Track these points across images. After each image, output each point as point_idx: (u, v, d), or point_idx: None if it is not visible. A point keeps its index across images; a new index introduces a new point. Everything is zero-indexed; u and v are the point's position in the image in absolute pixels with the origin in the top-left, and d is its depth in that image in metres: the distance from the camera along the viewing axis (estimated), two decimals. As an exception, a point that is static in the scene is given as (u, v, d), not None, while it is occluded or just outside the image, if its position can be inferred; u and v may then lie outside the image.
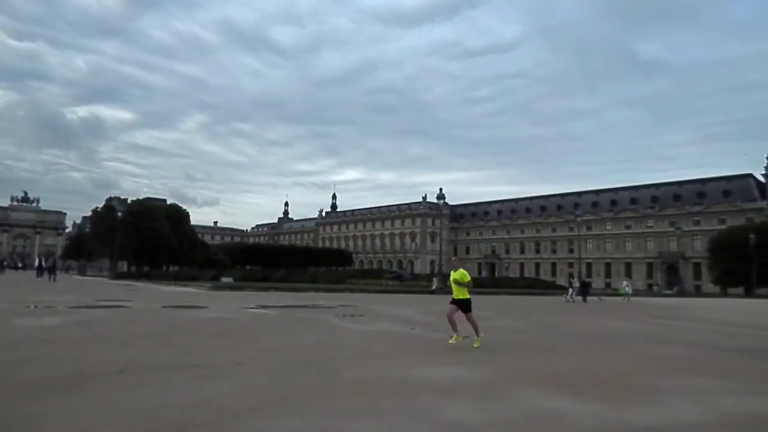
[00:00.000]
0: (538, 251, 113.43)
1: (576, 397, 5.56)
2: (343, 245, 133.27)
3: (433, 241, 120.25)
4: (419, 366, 7.21)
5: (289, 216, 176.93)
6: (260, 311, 16.13)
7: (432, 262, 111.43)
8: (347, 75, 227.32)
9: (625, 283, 41.61)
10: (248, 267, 75.31)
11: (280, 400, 5.02)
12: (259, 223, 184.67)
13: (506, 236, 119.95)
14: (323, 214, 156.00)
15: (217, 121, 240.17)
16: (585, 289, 32.63)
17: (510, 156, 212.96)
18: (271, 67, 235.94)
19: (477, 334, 9.34)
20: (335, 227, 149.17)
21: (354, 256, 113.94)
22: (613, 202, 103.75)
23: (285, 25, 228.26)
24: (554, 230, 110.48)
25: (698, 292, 74.35)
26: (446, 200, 42.28)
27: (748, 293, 62.26)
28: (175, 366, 6.59)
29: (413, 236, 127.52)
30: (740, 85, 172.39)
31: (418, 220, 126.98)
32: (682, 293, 58.95)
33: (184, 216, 69.63)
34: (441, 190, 39.93)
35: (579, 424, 4.57)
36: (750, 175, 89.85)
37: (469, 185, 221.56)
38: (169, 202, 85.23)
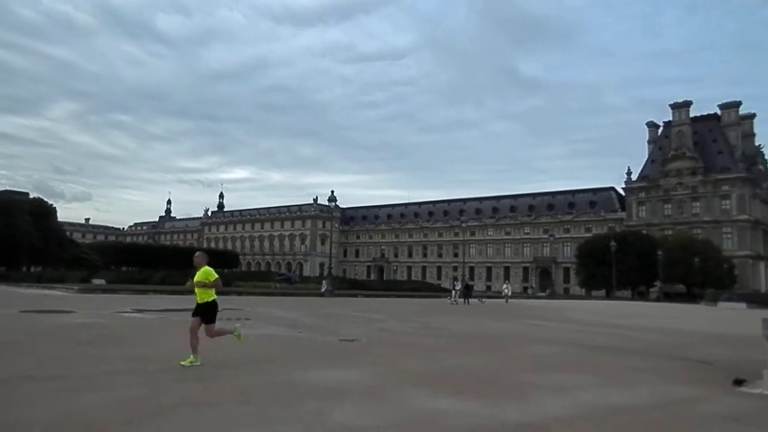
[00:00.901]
0: (425, 255, 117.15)
1: (456, 396, 5.79)
2: (230, 246, 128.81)
3: (323, 243, 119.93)
4: (307, 370, 7.14)
5: (172, 215, 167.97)
6: (136, 316, 15.12)
7: (322, 265, 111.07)
8: (238, 71, 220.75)
9: (505, 285, 44.08)
10: (125, 268, 70.38)
11: (156, 412, 4.71)
12: (138, 221, 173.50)
13: (395, 240, 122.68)
14: (209, 213, 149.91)
15: (90, 111, 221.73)
16: (468, 292, 34.10)
17: (400, 161, 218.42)
18: (154, 57, 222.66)
19: (194, 352, 7.21)
20: (222, 227, 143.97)
21: (241, 257, 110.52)
22: (495, 210, 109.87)
23: (170, 13, 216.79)
24: (441, 235, 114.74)
25: (567, 294, 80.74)
26: (337, 203, 42.37)
27: (609, 295, 68.78)
28: (36, 378, 5.97)
29: (303, 238, 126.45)
30: (603, 107, 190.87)
31: (309, 222, 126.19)
32: (553, 295, 63.72)
33: (49, 212, 63.76)
34: (332, 192, 39.97)
35: (457, 423, 4.75)
36: (612, 188, 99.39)
37: (360, 188, 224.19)
38: (32, 196, 77.75)
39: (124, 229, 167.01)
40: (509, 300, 38.97)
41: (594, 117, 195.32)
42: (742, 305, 47.52)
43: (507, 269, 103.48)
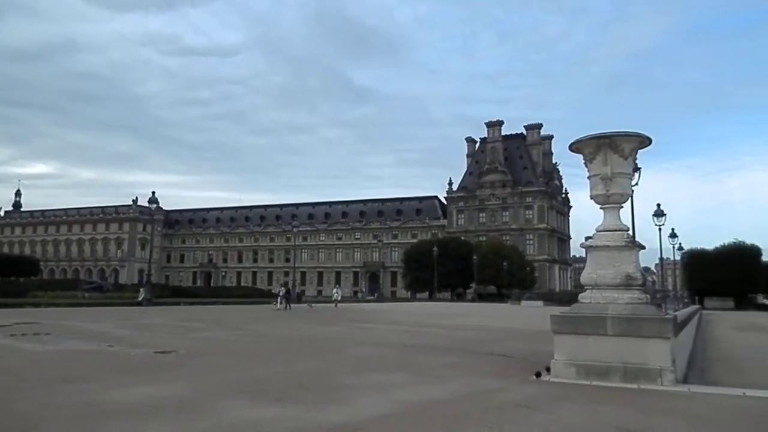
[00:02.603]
0: (255, 260, 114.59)
1: (276, 403, 5.67)
2: (28, 251, 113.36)
3: (143, 248, 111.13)
4: (114, 388, 6.45)
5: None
6: None
7: (141, 271, 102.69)
8: (40, 51, 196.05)
9: (335, 290, 44.82)
10: None
11: None
12: None
13: (224, 245, 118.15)
14: (2, 213, 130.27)
15: None
16: (289, 297, 33.80)
17: (230, 162, 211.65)
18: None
19: None
20: (19, 230, 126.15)
21: (43, 264, 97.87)
22: (327, 215, 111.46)
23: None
24: (272, 240, 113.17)
25: (394, 297, 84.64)
26: (160, 204, 39.50)
27: (431, 297, 73.59)
28: None
29: (120, 242, 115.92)
30: (428, 120, 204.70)
31: (127, 225, 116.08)
32: (381, 299, 66.34)
33: None
34: (153, 193, 37.18)
35: (274, 430, 4.64)
36: (436, 197, 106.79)
37: (186, 190, 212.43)
38: None
39: None
40: (339, 304, 39.66)
41: (420, 129, 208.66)
42: (540, 303, 54.04)
43: (338, 274, 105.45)
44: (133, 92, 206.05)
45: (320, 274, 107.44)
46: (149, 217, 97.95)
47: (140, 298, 33.19)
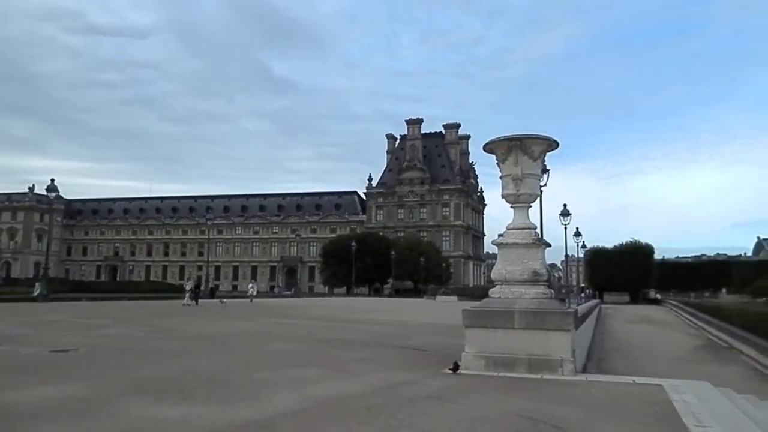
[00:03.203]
0: (167, 254, 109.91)
1: (184, 402, 5.47)
2: None
3: (40, 239, 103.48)
4: (6, 389, 5.97)
5: None
6: None
7: (37, 265, 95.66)
8: None
9: (250, 285, 43.90)
10: None
11: None
12: None
13: (132, 237, 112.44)
14: None
15: None
16: (198, 292, 32.68)
17: (140, 151, 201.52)
18: None
19: None
20: None
21: None
22: (244, 208, 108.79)
23: None
24: (185, 233, 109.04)
25: (312, 293, 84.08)
26: (60, 193, 36.92)
27: (349, 292, 73.80)
28: None
29: (13, 233, 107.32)
30: (349, 114, 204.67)
31: (22, 215, 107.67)
32: (298, 294, 65.68)
33: None
34: (53, 180, 34.69)
35: (181, 429, 4.49)
36: (355, 192, 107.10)
37: (92, 178, 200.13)
38: None
39: None
40: (254, 299, 38.86)
41: (341, 123, 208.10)
42: (455, 298, 55.67)
43: (254, 268, 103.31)
44: (31, 71, 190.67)
45: (235, 269, 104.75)
46: (47, 206, 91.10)
47: (35, 294, 30.80)
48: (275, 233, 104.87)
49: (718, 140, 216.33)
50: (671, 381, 7.19)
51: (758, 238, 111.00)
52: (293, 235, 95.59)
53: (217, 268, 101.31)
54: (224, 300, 36.70)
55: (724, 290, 77.03)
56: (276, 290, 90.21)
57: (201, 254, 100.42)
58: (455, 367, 7.55)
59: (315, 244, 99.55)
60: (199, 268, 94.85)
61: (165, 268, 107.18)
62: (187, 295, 31.20)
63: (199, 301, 31.19)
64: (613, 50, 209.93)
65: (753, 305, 34.04)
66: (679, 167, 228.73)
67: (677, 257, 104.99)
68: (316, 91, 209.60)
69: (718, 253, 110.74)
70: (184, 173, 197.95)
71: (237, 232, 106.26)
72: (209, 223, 68.71)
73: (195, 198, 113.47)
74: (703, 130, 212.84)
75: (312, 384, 6.64)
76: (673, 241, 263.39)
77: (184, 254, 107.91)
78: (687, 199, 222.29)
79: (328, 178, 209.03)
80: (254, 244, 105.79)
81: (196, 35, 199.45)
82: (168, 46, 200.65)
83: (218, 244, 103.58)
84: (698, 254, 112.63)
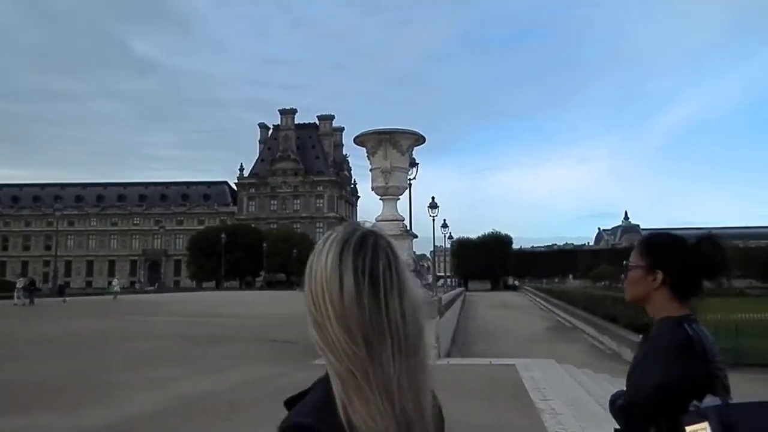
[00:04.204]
0: (6, 248, 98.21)
1: (22, 413, 4.93)
2: None
3: None
4: None
5: None
6: None
7: None
8: None
9: (114, 281, 41.34)
10: None
11: None
12: None
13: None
14: None
15: None
16: (33, 289, 29.38)
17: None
18: None
19: None
20: None
21: None
22: (100, 198, 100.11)
23: None
24: (28, 224, 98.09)
25: (178, 287, 79.78)
26: None
27: (219, 286, 71.12)
28: None
29: None
30: (218, 100, 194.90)
31: None
32: (162, 289, 61.91)
33: None
34: None
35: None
36: (226, 183, 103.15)
37: None
38: None
39: None
40: (118, 296, 36.06)
41: (209, 110, 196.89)
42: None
43: (112, 263, 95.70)
44: None
45: (90, 264, 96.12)
46: None
47: None
48: (136, 225, 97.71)
49: (568, 140, 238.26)
50: (522, 360, 7.85)
51: (599, 229, 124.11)
52: (157, 227, 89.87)
53: (68, 263, 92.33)
54: (66, 299, 32.74)
55: (571, 276, 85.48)
56: (137, 286, 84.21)
57: (48, 248, 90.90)
58: None
59: (181, 236, 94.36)
60: (47, 263, 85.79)
61: (3, 264, 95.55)
62: (17, 293, 27.61)
63: (39, 300, 28.10)
64: (479, 50, 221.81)
65: (593, 289, 38.10)
66: (535, 164, 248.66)
67: (532, 247, 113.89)
68: (180, 74, 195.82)
69: (566, 243, 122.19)
70: (25, 158, 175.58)
71: (92, 223, 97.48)
72: (57, 214, 62.32)
73: (41, 186, 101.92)
74: (556, 130, 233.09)
75: (174, 383, 6.32)
76: (529, 231, 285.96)
77: (27, 248, 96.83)
78: (541, 193, 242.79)
79: (197, 167, 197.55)
80: (112, 236, 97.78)
81: (38, 3, 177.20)
82: (5, 14, 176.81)
83: (70, 237, 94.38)
84: (550, 244, 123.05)
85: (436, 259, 78.56)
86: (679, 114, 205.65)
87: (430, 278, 37.89)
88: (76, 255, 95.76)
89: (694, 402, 1.23)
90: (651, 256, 1.55)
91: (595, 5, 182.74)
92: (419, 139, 9.13)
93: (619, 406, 1.50)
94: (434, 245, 43.89)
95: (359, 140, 9.11)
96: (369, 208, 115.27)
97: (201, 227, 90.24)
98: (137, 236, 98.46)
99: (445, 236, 50.81)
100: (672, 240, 1.60)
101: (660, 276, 1.50)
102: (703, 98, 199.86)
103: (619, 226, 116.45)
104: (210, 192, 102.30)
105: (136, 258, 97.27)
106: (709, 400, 1.21)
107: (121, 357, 8.81)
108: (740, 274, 76.80)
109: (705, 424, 1.15)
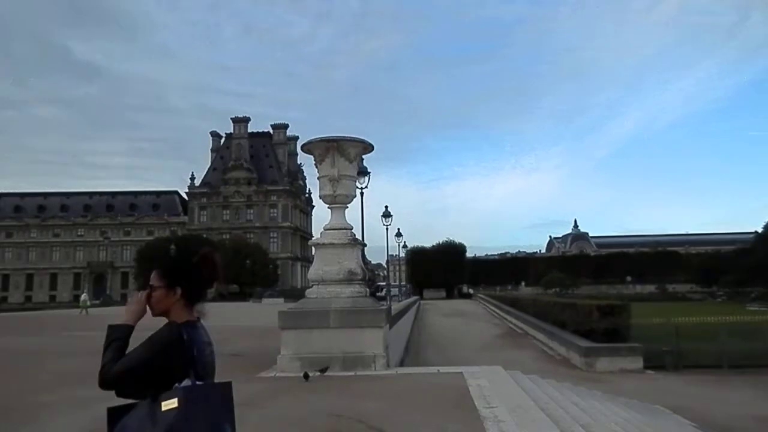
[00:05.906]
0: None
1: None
2: None
3: None
4: None
5: None
6: None
7: None
8: None
9: (83, 295, 40.00)
10: None
11: None
12: None
13: None
14: None
15: None
16: None
17: None
18: None
19: None
20: None
21: None
22: (41, 208, 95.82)
23: None
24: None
25: (125, 301, 76.89)
26: None
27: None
28: None
29: None
30: (167, 108, 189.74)
31: None
32: (108, 303, 59.61)
33: None
34: None
35: None
36: (176, 192, 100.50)
37: None
38: None
39: None
40: (88, 311, 34.29)
41: (157, 117, 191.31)
42: (281, 300, 54.99)
43: (54, 276, 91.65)
44: None
45: (30, 277, 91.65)
46: None
47: None
48: (80, 236, 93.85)
49: (519, 150, 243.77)
50: (470, 368, 7.82)
51: (550, 237, 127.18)
52: (102, 238, 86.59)
53: (6, 277, 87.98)
54: None
55: (523, 283, 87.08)
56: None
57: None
58: (306, 376, 7.19)
59: (129, 247, 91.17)
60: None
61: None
62: None
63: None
64: (434, 62, 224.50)
65: (543, 296, 38.88)
66: (488, 174, 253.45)
67: (486, 255, 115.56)
68: (126, 79, 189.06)
69: (519, 251, 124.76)
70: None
71: (32, 235, 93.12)
72: (-5, 225, 59.25)
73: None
74: (508, 142, 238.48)
75: (105, 403, 5.95)
76: (483, 240, 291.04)
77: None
78: (495, 203, 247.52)
79: (146, 176, 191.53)
80: (54, 248, 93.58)
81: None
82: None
83: (7, 249, 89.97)
84: (503, 252, 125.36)
85: (392, 268, 78.54)
86: (624, 125, 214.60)
87: (383, 287, 37.77)
88: (15, 268, 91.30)
89: (176, 384, 1.74)
90: (168, 277, 1.95)
91: (548, 20, 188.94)
92: (367, 147, 9.06)
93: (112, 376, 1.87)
94: (388, 254, 43.82)
95: (306, 148, 8.97)
96: (324, 218, 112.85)
97: (150, 238, 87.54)
98: (81, 248, 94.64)
99: (399, 245, 50.91)
100: (180, 261, 1.99)
101: (179, 291, 1.93)
102: (646, 110, 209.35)
103: (569, 234, 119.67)
104: (159, 202, 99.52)
105: (80, 271, 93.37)
106: (186, 383, 1.75)
107: (49, 375, 8.33)
108: (683, 279, 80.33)
109: (175, 400, 1.68)
